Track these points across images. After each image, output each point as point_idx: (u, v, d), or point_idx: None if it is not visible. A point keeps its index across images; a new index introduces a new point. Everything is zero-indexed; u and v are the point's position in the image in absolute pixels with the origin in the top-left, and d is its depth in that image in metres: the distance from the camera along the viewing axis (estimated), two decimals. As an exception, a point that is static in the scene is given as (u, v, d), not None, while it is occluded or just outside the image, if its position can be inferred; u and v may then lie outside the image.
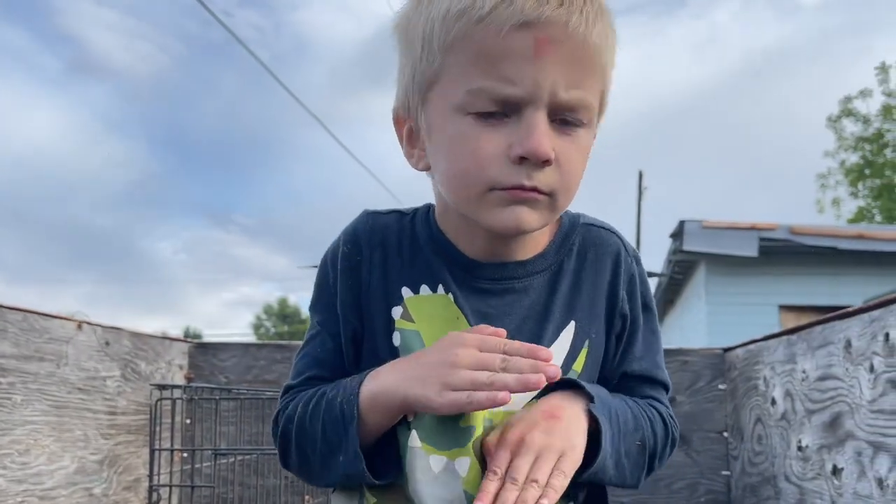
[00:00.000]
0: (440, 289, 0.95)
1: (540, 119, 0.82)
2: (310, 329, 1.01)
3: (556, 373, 0.81)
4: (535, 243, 0.97)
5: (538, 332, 0.94)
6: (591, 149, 0.91)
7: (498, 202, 0.86)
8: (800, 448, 2.02)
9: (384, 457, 0.91)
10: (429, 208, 1.00)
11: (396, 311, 0.95)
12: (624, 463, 0.93)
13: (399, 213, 1.01)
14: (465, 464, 0.89)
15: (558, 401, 0.90)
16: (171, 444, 2.30)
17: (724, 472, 2.64)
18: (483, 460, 0.88)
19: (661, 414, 1.00)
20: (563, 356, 0.94)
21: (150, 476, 2.14)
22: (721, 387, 2.65)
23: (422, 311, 0.94)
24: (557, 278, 0.97)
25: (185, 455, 2.49)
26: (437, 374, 0.83)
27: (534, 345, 0.85)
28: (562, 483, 0.84)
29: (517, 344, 0.85)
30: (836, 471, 1.80)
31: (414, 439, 0.90)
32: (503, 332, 0.87)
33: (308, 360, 0.99)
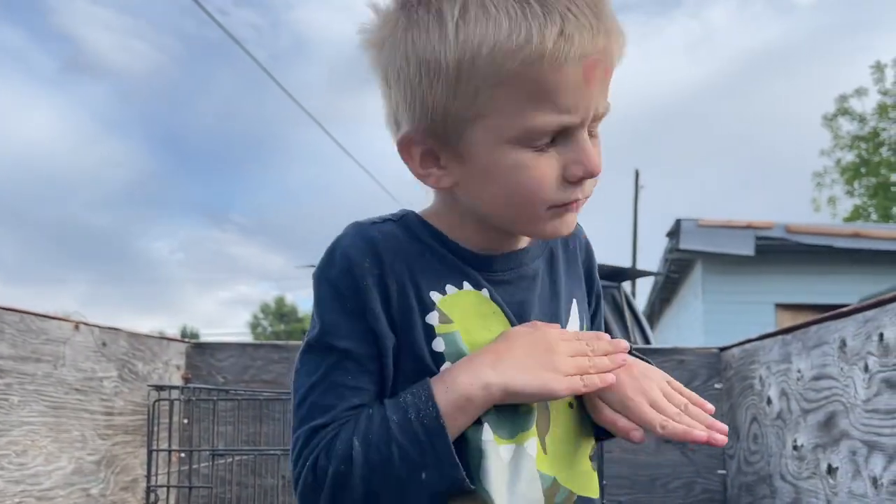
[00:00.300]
0: (465, 285, 0.95)
1: (587, 138, 0.88)
2: (323, 360, 0.91)
3: (626, 349, 0.94)
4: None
5: (556, 311, 0.99)
6: None
7: (553, 217, 0.91)
8: (795, 447, 2.03)
9: (462, 461, 0.88)
10: (415, 214, 0.99)
11: (432, 318, 0.92)
12: None
13: (392, 221, 0.98)
14: (534, 445, 0.92)
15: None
16: (169, 445, 2.30)
17: (721, 471, 2.65)
18: (542, 440, 0.93)
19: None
20: (578, 331, 1.01)
21: (148, 476, 2.14)
22: (717, 386, 2.66)
23: (455, 310, 0.93)
24: (553, 262, 1.02)
25: (182, 455, 2.49)
26: (543, 363, 0.88)
27: (600, 332, 0.95)
28: (704, 402, 0.96)
29: (588, 333, 0.95)
30: (831, 470, 1.81)
31: (487, 433, 0.90)
32: (558, 326, 0.95)
33: (339, 392, 0.90)
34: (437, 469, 0.85)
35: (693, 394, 0.97)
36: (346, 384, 0.90)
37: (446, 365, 0.90)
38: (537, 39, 0.81)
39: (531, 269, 0.99)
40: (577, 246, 1.07)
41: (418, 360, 0.90)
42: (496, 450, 0.90)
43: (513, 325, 0.94)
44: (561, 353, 0.89)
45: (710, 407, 0.96)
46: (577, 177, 0.87)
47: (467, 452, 0.90)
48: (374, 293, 0.90)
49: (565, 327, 0.99)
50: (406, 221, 0.97)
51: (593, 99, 0.86)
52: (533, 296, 0.98)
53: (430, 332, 0.91)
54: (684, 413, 0.93)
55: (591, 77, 0.84)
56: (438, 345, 0.91)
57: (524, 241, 0.99)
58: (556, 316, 0.98)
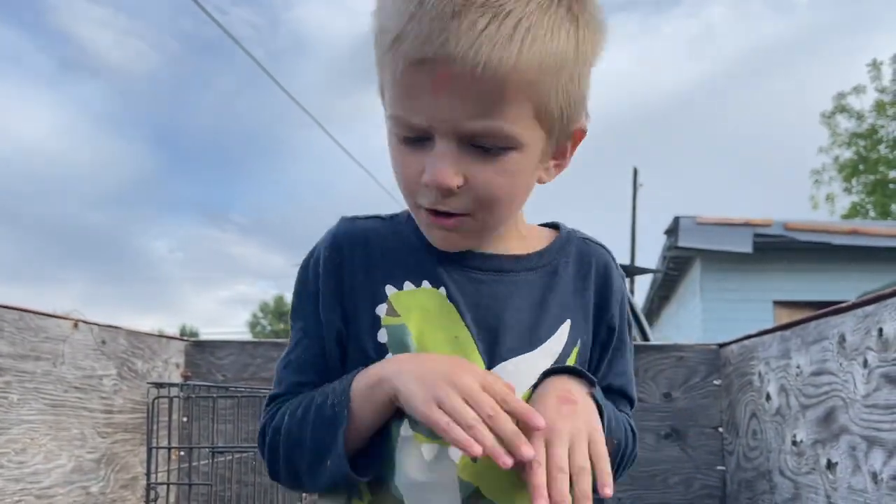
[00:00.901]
0: (425, 284, 0.94)
1: (445, 149, 0.83)
2: (292, 338, 1.00)
3: (529, 454, 0.80)
4: (525, 242, 0.99)
5: (535, 322, 0.95)
6: (531, 165, 0.89)
7: (425, 220, 0.91)
8: (794, 443, 2.04)
9: (372, 453, 0.90)
10: (409, 212, 0.99)
11: (381, 309, 0.93)
12: None
13: (379, 218, 1.01)
14: (458, 451, 0.87)
15: (566, 384, 0.91)
16: (169, 443, 2.30)
17: (720, 468, 2.66)
18: None
19: (632, 427, 1.04)
20: (559, 351, 0.96)
21: (148, 474, 2.14)
22: (716, 382, 2.66)
23: (407, 305, 0.93)
24: (553, 278, 0.98)
25: (182, 453, 2.49)
26: (432, 384, 0.83)
27: (531, 411, 0.83)
28: (605, 466, 0.84)
29: (518, 403, 0.84)
30: (830, 465, 1.82)
31: (406, 428, 0.90)
32: (514, 387, 0.87)
33: (292, 367, 0.98)
34: (335, 459, 0.87)
35: (585, 465, 0.84)
36: (298, 360, 0.97)
37: (389, 356, 0.92)
38: (388, 28, 0.82)
39: (518, 276, 0.96)
40: (594, 270, 1.01)
41: (362, 349, 0.93)
42: (416, 447, 0.89)
43: (466, 323, 0.92)
44: (455, 388, 0.82)
45: (605, 492, 0.83)
46: (423, 181, 0.85)
47: (387, 445, 0.91)
48: (330, 281, 0.95)
49: (544, 343, 0.94)
50: (396, 219, 1.00)
51: (442, 111, 0.81)
52: (506, 300, 0.95)
53: (375, 323, 0.93)
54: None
55: (437, 88, 0.80)
56: (382, 336, 0.93)
57: (519, 249, 0.98)
58: (534, 326, 0.94)
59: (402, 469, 0.90)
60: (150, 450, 2.14)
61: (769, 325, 2.30)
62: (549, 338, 0.95)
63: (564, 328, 0.96)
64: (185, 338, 2.79)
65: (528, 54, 0.80)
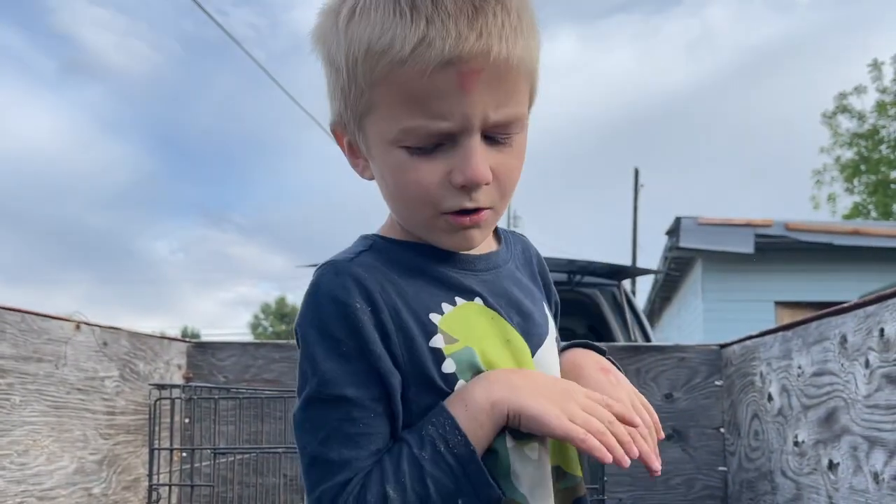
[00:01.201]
0: (458, 300, 0.93)
1: (474, 145, 0.84)
2: (329, 412, 0.86)
3: (643, 450, 0.89)
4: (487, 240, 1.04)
5: (531, 308, 0.99)
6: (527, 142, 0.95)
7: (447, 227, 0.89)
8: (796, 443, 2.04)
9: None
10: (378, 236, 0.96)
11: (437, 340, 0.89)
12: None
13: (365, 251, 0.94)
14: (545, 439, 0.93)
15: (592, 356, 1.02)
16: (171, 444, 2.30)
17: (721, 468, 2.65)
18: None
19: None
20: (554, 329, 1.02)
21: (150, 475, 2.15)
22: (717, 383, 2.66)
23: (457, 327, 0.91)
24: (518, 269, 1.03)
25: (184, 454, 2.49)
26: (559, 400, 0.87)
27: (631, 413, 0.91)
28: (657, 417, 0.95)
29: (619, 406, 0.91)
30: (832, 466, 1.82)
31: (510, 440, 0.90)
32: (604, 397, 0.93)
33: (353, 442, 0.85)
34: (474, 493, 0.85)
35: (650, 418, 0.96)
36: (360, 432, 0.85)
37: (460, 383, 0.88)
38: (399, 44, 0.81)
39: (505, 269, 0.99)
40: (533, 257, 1.08)
41: (430, 387, 0.88)
42: (522, 453, 0.91)
43: (511, 323, 0.94)
44: (575, 402, 0.87)
45: (662, 435, 0.96)
46: (458, 183, 0.85)
47: (496, 463, 0.89)
48: (372, 331, 0.85)
49: (546, 324, 1.00)
50: (377, 247, 0.94)
51: (474, 106, 0.82)
52: (514, 293, 0.98)
53: (438, 356, 0.88)
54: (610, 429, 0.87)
55: (469, 85, 0.81)
56: (449, 366, 0.89)
57: (486, 246, 0.99)
58: (540, 311, 0.99)
59: (521, 476, 0.90)
60: (152, 451, 2.15)
61: (771, 326, 2.30)
62: (546, 317, 1.01)
63: (545, 308, 1.03)
64: (187, 339, 2.79)
65: (532, 40, 0.87)
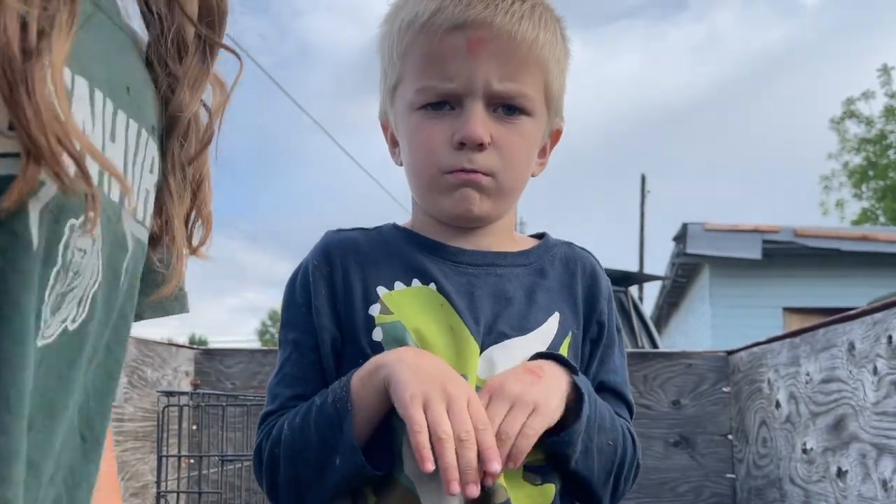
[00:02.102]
0: (415, 282, 0.97)
1: (476, 108, 0.93)
2: (281, 353, 1.00)
3: (472, 493, 0.82)
4: (513, 241, 1.05)
5: (526, 311, 0.97)
6: (538, 135, 1.00)
7: (447, 187, 0.95)
8: (804, 451, 2.03)
9: (380, 450, 0.90)
10: (394, 223, 1.05)
11: (374, 309, 0.96)
12: (594, 454, 0.93)
13: (364, 229, 1.04)
14: None
15: (543, 363, 0.93)
16: (178, 451, 2.31)
17: (729, 475, 2.65)
18: None
19: (631, 432, 1.02)
20: (550, 341, 0.97)
21: (158, 482, 2.15)
22: (725, 389, 2.66)
23: (399, 303, 0.96)
24: (540, 275, 1.02)
25: (192, 461, 2.50)
26: (425, 381, 0.84)
27: (493, 453, 0.83)
28: (527, 442, 0.86)
29: (488, 438, 0.83)
30: (840, 473, 1.81)
31: None
32: (488, 408, 0.87)
33: (286, 381, 0.97)
34: (345, 453, 0.87)
35: (509, 443, 0.86)
36: (292, 374, 0.97)
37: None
38: (420, 14, 0.93)
39: (506, 270, 1.00)
40: (580, 270, 1.05)
41: (358, 349, 0.95)
42: None
43: (460, 314, 0.94)
44: (443, 394, 0.83)
45: (513, 465, 0.86)
46: (456, 140, 0.92)
47: (393, 439, 0.91)
48: (321, 289, 0.97)
49: (535, 329, 0.97)
50: (381, 230, 1.04)
51: (479, 70, 0.92)
52: (495, 291, 0.98)
53: (369, 323, 0.95)
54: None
55: (475, 50, 0.91)
56: (377, 334, 0.95)
57: (507, 248, 1.02)
58: (523, 317, 0.97)
59: (408, 459, 0.89)
60: (160, 458, 2.15)
61: (779, 332, 2.30)
62: (539, 325, 0.98)
63: (554, 319, 0.99)
64: (195, 346, 2.80)
65: (545, 34, 0.94)
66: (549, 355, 0.95)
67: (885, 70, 21.92)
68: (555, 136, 1.07)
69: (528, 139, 0.97)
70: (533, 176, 1.04)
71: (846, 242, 10.33)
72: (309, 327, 0.97)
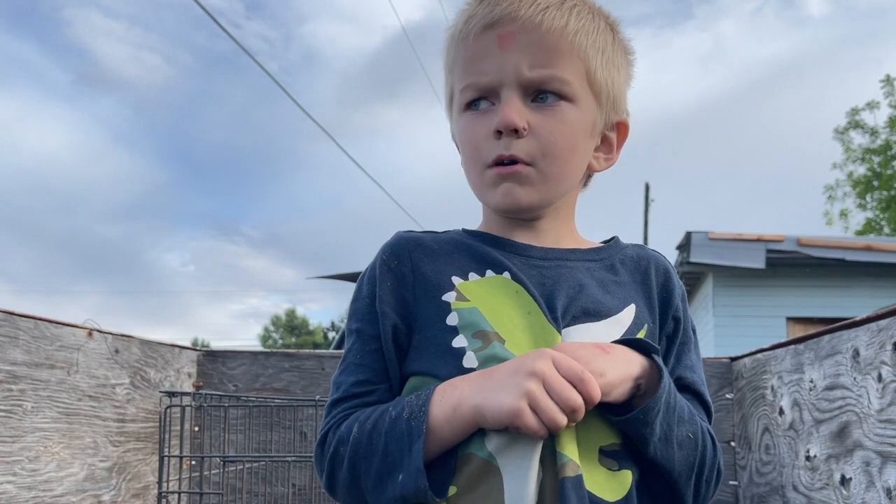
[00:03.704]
0: (489, 273, 0.98)
1: (510, 97, 0.96)
2: (346, 345, 1.01)
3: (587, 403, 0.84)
4: (577, 240, 1.06)
5: (600, 300, 0.97)
6: (585, 123, 1.00)
7: (492, 181, 0.98)
8: (808, 458, 2.02)
9: (443, 471, 0.89)
10: (463, 228, 1.08)
11: (449, 296, 0.96)
12: (674, 444, 0.91)
13: (432, 232, 1.07)
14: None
15: (614, 345, 0.93)
16: (180, 452, 2.31)
17: (732, 482, 2.63)
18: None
19: (710, 432, 1.00)
20: (625, 330, 0.97)
21: (159, 483, 2.15)
22: (728, 396, 2.65)
23: (475, 292, 0.96)
24: (612, 271, 1.03)
25: (193, 462, 2.50)
26: (512, 390, 0.84)
27: (594, 387, 0.84)
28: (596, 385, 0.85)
29: (586, 379, 0.84)
30: (844, 481, 1.80)
31: (485, 449, 0.88)
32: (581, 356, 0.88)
33: (349, 370, 0.99)
34: (410, 473, 0.86)
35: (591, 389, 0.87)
36: (354, 361, 0.99)
37: (459, 338, 0.93)
38: (459, 25, 1.01)
39: (576, 264, 1.01)
40: (654, 268, 1.04)
41: (431, 336, 0.95)
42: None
43: (536, 300, 0.94)
44: (525, 373, 0.84)
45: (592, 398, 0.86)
46: (494, 129, 0.96)
47: (455, 466, 0.88)
48: (387, 279, 0.98)
49: (608, 318, 0.96)
50: (450, 232, 1.07)
51: (509, 61, 0.95)
52: (568, 279, 0.98)
53: (444, 308, 0.95)
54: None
55: (505, 44, 0.96)
56: (452, 319, 0.94)
57: (570, 244, 1.04)
58: (599, 302, 0.97)
59: (492, 434, 0.88)
60: (161, 458, 2.15)
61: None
62: (615, 314, 0.97)
63: (630, 309, 0.99)
64: (197, 348, 2.80)
65: (576, 22, 0.97)
66: (627, 341, 0.93)
67: (889, 81, 21.92)
68: (621, 130, 1.07)
69: (569, 125, 0.97)
70: (597, 171, 1.06)
71: (850, 252, 10.30)
72: (372, 317, 0.98)
